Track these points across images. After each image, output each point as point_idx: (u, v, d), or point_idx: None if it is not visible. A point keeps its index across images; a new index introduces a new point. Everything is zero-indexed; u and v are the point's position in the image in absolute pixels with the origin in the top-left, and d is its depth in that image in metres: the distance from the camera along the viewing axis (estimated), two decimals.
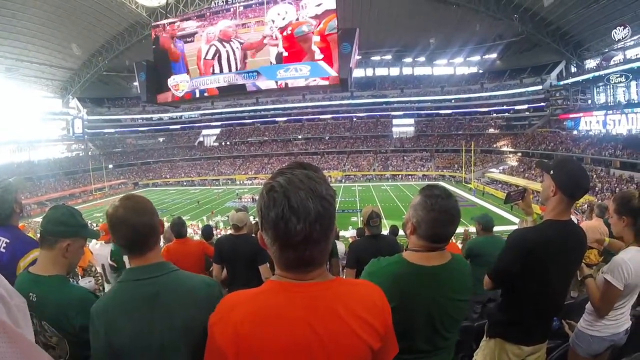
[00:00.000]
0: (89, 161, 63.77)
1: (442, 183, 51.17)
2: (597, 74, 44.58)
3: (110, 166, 67.30)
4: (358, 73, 67.45)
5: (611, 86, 44.22)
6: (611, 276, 2.25)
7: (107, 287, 4.74)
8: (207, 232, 6.14)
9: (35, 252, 2.14)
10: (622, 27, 37.42)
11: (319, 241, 0.96)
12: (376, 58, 70.84)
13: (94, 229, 2.61)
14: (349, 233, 16.98)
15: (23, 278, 1.71)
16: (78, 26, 48.96)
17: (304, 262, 0.99)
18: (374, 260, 1.72)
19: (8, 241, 2.29)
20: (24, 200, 44.32)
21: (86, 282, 3.23)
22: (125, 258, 4.21)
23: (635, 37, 39.13)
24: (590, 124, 45.33)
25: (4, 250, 2.25)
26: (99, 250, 5.05)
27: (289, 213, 0.91)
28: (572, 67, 51.41)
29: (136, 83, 11.41)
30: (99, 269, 5.29)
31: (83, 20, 47.83)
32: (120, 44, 55.35)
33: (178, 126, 79.49)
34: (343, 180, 58.98)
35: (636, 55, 40.37)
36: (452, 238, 1.77)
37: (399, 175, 60.17)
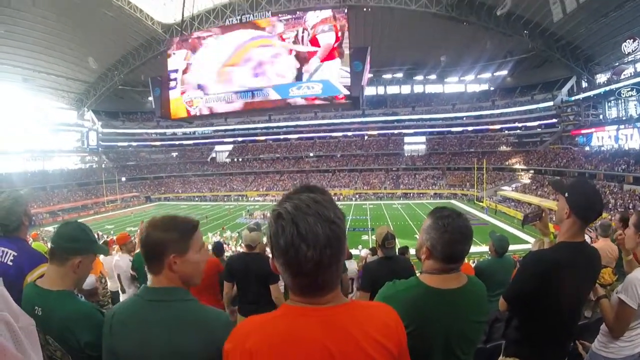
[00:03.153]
0: (102, 173, 64.56)
1: (454, 201, 51.55)
2: (608, 88, 44.30)
3: (123, 179, 67.83)
4: (369, 91, 67.95)
5: (622, 100, 43.74)
6: (625, 295, 2.22)
7: (122, 297, 4.85)
8: (218, 248, 6.06)
9: (43, 267, 2.15)
10: (632, 40, 37.02)
11: (330, 265, 0.96)
12: (387, 76, 71.37)
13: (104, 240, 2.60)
14: (363, 252, 16.53)
15: (29, 291, 1.73)
16: (95, 40, 49.95)
17: (317, 287, 1.00)
18: (389, 284, 1.72)
19: (15, 254, 2.28)
20: (37, 209, 45.34)
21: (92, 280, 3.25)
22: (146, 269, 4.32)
23: None
24: (602, 139, 44.87)
25: (11, 264, 2.24)
26: (118, 261, 5.16)
27: (298, 240, 0.91)
28: (583, 82, 50.83)
29: (151, 98, 11.59)
30: (109, 281, 5.45)
31: (100, 34, 48.78)
32: (136, 59, 56.23)
33: (191, 142, 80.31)
34: (354, 198, 58.57)
35: None
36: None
37: (410, 193, 59.74)
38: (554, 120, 57.23)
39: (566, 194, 2.08)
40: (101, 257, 5.56)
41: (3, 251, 2.29)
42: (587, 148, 47.80)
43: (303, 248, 0.91)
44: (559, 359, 2.20)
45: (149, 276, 1.47)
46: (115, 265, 5.19)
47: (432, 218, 1.66)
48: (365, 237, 29.25)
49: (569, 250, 2.05)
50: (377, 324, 1.04)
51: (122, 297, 4.84)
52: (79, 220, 1.97)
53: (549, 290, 2.00)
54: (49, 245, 1.86)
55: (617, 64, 44.24)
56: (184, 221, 1.51)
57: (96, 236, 10.72)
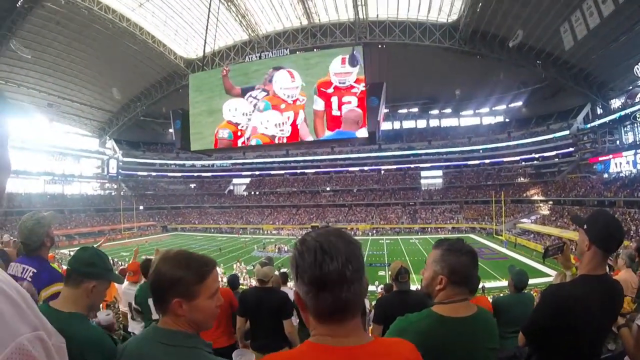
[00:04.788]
0: (121, 201, 65.79)
1: (472, 235, 51.03)
2: (623, 112, 44.29)
3: (141, 207, 68.79)
4: (386, 126, 68.31)
5: (638, 124, 43.51)
6: None
7: (131, 324, 4.79)
8: (233, 281, 5.99)
9: (58, 285, 2.23)
10: None
11: (353, 281, 0.99)
12: (403, 111, 72.29)
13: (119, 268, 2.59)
14: (379, 289, 16.22)
15: (41, 311, 1.80)
16: (120, 71, 52.07)
17: (341, 309, 1.01)
18: (401, 318, 1.73)
19: (35, 271, 2.41)
20: (54, 231, 44.64)
21: (104, 315, 3.23)
22: (150, 302, 4.34)
23: None
24: (621, 165, 44.75)
25: (30, 280, 2.32)
26: (127, 288, 5.06)
27: (322, 254, 0.98)
28: (597, 108, 50.89)
29: (171, 130, 11.87)
30: (122, 308, 5.31)
31: (125, 66, 50.90)
32: (158, 92, 58.26)
33: (209, 174, 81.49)
34: (371, 234, 58.23)
35: None
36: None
37: (427, 228, 59.03)
38: (571, 149, 56.72)
39: (585, 226, 2.06)
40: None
41: (24, 268, 2.45)
42: (605, 175, 47.43)
43: (327, 261, 0.97)
44: None
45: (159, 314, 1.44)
46: (124, 293, 5.14)
47: (442, 247, 1.72)
48: (382, 273, 28.79)
49: (590, 283, 2.01)
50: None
51: (131, 325, 4.76)
52: (95, 246, 2.07)
53: (568, 325, 1.97)
54: (65, 267, 1.96)
55: (630, 87, 44.31)
56: (199, 260, 1.44)
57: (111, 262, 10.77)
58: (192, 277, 1.36)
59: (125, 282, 5.01)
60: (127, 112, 64.20)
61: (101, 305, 6.17)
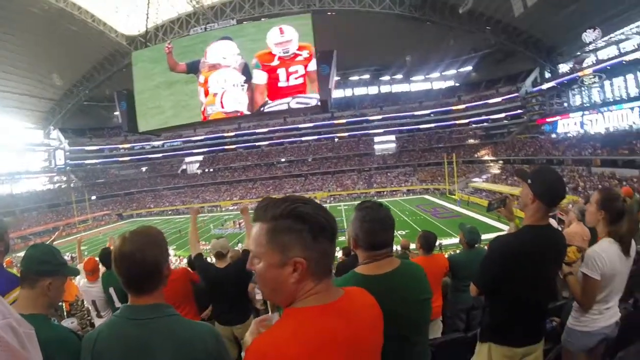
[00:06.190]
0: (72, 193, 62.86)
1: (426, 196, 52.78)
2: (570, 77, 45.78)
3: (94, 197, 66.28)
4: (337, 94, 67.97)
5: (586, 87, 45.01)
6: (587, 269, 2.38)
7: (97, 322, 4.58)
8: (193, 262, 5.83)
9: (17, 291, 2.12)
10: (592, 29, 38.46)
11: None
12: (354, 78, 71.90)
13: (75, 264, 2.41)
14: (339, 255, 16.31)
15: None
16: (58, 56, 49.13)
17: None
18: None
19: None
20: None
21: (69, 323, 3.06)
22: (112, 291, 4.19)
23: (606, 38, 40.40)
24: (568, 125, 46.42)
25: None
26: (85, 286, 4.80)
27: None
28: (546, 72, 52.34)
29: (117, 112, 11.36)
30: (87, 304, 5.16)
31: (64, 50, 48.01)
32: (101, 74, 55.75)
33: (160, 155, 78.57)
34: (328, 201, 58.70)
35: (607, 55, 41.63)
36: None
37: (383, 192, 60.13)
38: (520, 111, 58.56)
39: (529, 181, 2.18)
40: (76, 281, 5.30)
41: None
42: (553, 135, 49.14)
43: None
44: (532, 340, 2.27)
45: (130, 296, 1.46)
46: (84, 292, 4.85)
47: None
48: (342, 238, 29.24)
49: (534, 233, 2.15)
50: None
51: (98, 322, 4.51)
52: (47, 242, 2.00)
53: (515, 274, 2.11)
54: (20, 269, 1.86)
55: (578, 53, 45.92)
56: (159, 231, 1.55)
57: (68, 258, 10.41)
58: (162, 254, 1.48)
59: (84, 280, 4.83)
60: (69, 99, 61.09)
61: (65, 307, 5.81)
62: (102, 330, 1.45)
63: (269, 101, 8.67)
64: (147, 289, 1.43)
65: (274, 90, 8.55)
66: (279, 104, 8.68)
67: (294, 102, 8.57)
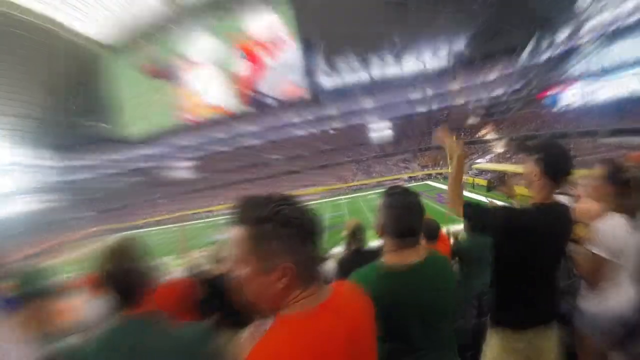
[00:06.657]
0: (66, 211, 62.11)
1: (429, 182, 51.88)
2: (568, 46, 44.93)
3: (90, 213, 64.96)
4: (327, 83, 66.37)
5: (584, 56, 43.71)
6: (594, 245, 2.28)
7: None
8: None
9: None
10: None
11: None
12: (343, 65, 70.22)
13: None
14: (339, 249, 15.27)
15: None
16: (40, 73, 49.32)
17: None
18: (352, 273, 1.76)
19: None
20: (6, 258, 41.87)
21: None
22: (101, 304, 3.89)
23: (602, 4, 39.03)
24: (569, 97, 45.28)
25: None
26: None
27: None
28: (543, 44, 50.92)
29: (104, 125, 9.49)
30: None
31: (45, 65, 48.22)
32: (82, 85, 54.28)
33: (153, 163, 75.81)
34: (327, 196, 56.50)
35: (604, 21, 40.15)
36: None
37: (384, 181, 58.65)
38: (518, 86, 57.14)
39: (534, 156, 2.12)
40: None
41: None
42: (554, 109, 47.83)
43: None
44: (541, 322, 2.20)
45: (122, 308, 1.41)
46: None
47: (383, 197, 1.76)
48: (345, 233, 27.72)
49: (541, 211, 2.08)
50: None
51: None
52: None
53: (522, 252, 2.06)
54: None
55: (574, 21, 44.35)
56: (139, 242, 1.52)
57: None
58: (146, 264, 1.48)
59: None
60: (57, 115, 59.84)
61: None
62: (94, 341, 1.37)
63: (255, 92, 6.91)
64: (136, 299, 1.40)
65: (257, 77, 6.79)
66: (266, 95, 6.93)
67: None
